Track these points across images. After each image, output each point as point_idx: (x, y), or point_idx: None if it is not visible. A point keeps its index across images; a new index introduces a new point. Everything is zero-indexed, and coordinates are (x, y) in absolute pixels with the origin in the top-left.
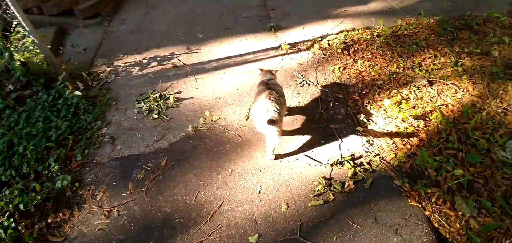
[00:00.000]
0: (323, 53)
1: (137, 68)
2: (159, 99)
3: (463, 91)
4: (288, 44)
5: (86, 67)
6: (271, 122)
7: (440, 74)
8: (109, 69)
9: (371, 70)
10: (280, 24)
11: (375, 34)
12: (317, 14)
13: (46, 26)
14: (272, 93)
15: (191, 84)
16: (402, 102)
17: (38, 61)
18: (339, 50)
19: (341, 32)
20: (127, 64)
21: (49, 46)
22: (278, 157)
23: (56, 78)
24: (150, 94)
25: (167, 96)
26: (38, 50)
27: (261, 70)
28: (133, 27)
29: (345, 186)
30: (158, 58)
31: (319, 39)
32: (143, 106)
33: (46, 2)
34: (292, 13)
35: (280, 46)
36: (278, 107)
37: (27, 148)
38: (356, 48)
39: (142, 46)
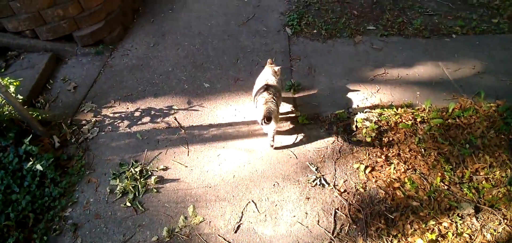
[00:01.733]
0: (348, 139)
1: (126, 122)
2: (138, 177)
3: (506, 222)
4: (306, 117)
5: (71, 112)
6: (267, 119)
7: (491, 196)
8: (95, 119)
9: (406, 181)
10: (302, 83)
11: (418, 119)
12: (349, 73)
13: (40, 51)
14: (270, 89)
15: (182, 158)
16: (437, 241)
17: (8, 111)
18: (369, 138)
19: (375, 107)
20: (116, 115)
21: (38, 76)
22: None
23: (30, 130)
24: (130, 168)
25: (149, 173)
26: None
27: (269, 62)
28: (135, 62)
29: None
30: (152, 112)
31: (346, 114)
32: (117, 185)
33: (41, 26)
34: (318, 67)
35: (296, 117)
36: (274, 104)
37: None
38: (391, 138)
39: (138, 91)
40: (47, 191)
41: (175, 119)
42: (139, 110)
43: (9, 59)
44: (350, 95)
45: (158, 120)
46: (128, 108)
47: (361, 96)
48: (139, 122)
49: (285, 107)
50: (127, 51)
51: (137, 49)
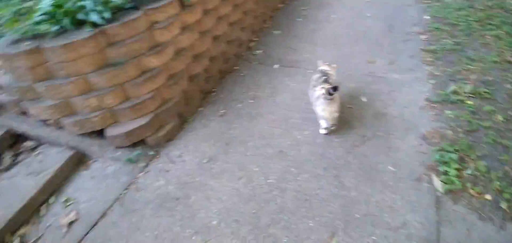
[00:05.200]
0: None
1: None
2: None
3: None
4: None
5: None
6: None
7: None
8: None
9: None
10: None
11: None
12: None
13: (62, 146)
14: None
15: None
16: None
17: None
18: None
19: None
20: None
21: (35, 193)
22: None
23: None
24: None
25: None
26: None
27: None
28: (172, 190)
29: None
30: None
31: None
32: None
33: (68, 116)
34: None
35: None
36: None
37: None
38: None
39: None
40: None
41: None
42: None
43: (21, 153)
44: None
45: None
46: None
47: None
48: None
49: None
50: (169, 164)
51: (183, 163)
